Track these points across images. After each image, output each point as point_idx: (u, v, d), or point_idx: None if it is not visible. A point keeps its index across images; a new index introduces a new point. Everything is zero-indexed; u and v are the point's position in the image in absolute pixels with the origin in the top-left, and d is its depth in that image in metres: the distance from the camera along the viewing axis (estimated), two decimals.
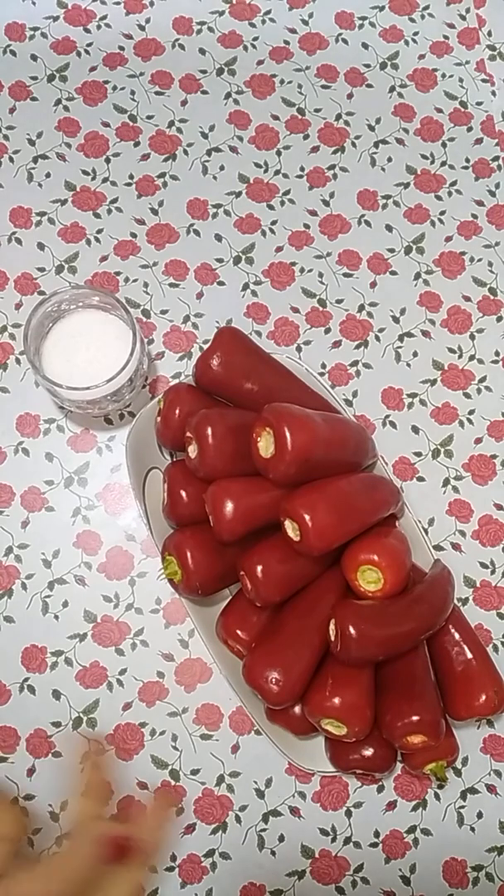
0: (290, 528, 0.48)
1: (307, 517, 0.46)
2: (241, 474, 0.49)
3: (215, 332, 0.53)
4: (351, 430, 0.52)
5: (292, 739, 0.51)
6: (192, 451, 0.50)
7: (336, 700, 0.47)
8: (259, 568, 0.48)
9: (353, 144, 0.65)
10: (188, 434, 0.50)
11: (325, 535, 0.47)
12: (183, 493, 0.51)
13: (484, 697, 0.50)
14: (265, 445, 0.48)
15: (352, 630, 0.46)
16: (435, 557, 0.54)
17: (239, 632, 0.51)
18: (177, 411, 0.52)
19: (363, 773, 0.51)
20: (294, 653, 0.48)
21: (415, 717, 0.48)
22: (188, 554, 0.50)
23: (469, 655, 0.52)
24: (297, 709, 0.50)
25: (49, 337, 0.53)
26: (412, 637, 0.49)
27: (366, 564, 0.48)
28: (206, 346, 0.59)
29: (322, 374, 0.60)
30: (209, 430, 0.48)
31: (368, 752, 0.50)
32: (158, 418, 0.53)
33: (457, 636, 0.53)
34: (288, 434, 0.46)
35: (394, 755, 0.51)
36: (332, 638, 0.48)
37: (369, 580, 0.49)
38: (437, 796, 0.54)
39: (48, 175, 0.62)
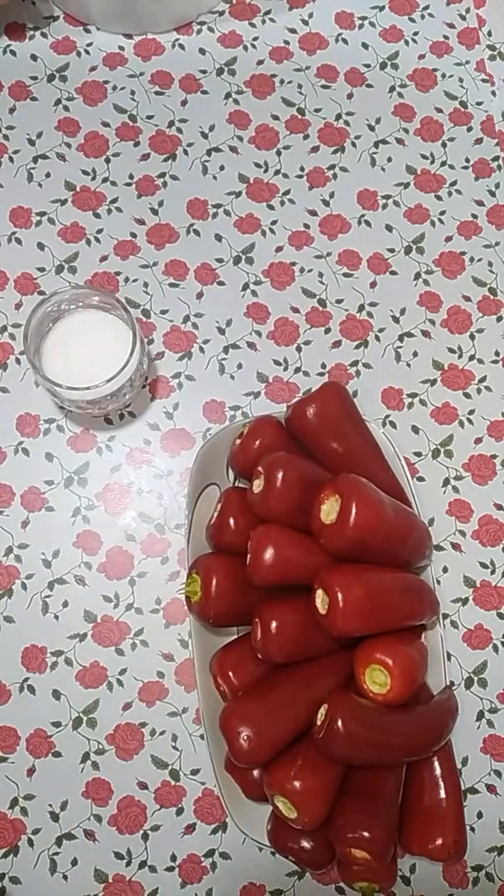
0: (320, 600, 0.47)
1: (340, 596, 0.45)
2: (295, 526, 0.49)
3: (323, 383, 0.53)
4: (415, 528, 0.51)
5: (238, 794, 0.50)
6: (258, 485, 0.49)
7: (297, 783, 0.46)
8: (274, 623, 0.47)
9: (353, 144, 0.65)
10: (259, 468, 0.49)
11: (352, 619, 0.46)
12: (232, 521, 0.51)
13: (440, 841, 0.49)
14: (328, 510, 0.47)
15: (340, 725, 0.45)
16: (447, 683, 0.53)
17: (231, 674, 0.50)
18: (257, 442, 0.52)
19: (294, 861, 0.49)
20: (276, 719, 0.47)
21: (366, 833, 0.46)
22: (214, 581, 0.49)
23: (442, 795, 0.50)
24: (255, 772, 0.49)
25: (49, 337, 0.53)
26: (397, 754, 0.48)
27: (378, 665, 0.47)
28: (205, 345, 0.60)
29: (323, 376, 0.60)
30: (280, 473, 0.48)
31: (308, 844, 0.48)
32: (238, 441, 0.53)
33: (438, 771, 0.51)
34: (354, 510, 0.45)
35: (331, 858, 0.49)
36: (318, 722, 0.47)
37: (376, 681, 0.47)
38: None
39: (48, 175, 0.62)
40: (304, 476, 0.49)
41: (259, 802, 0.50)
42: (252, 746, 0.46)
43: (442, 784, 0.51)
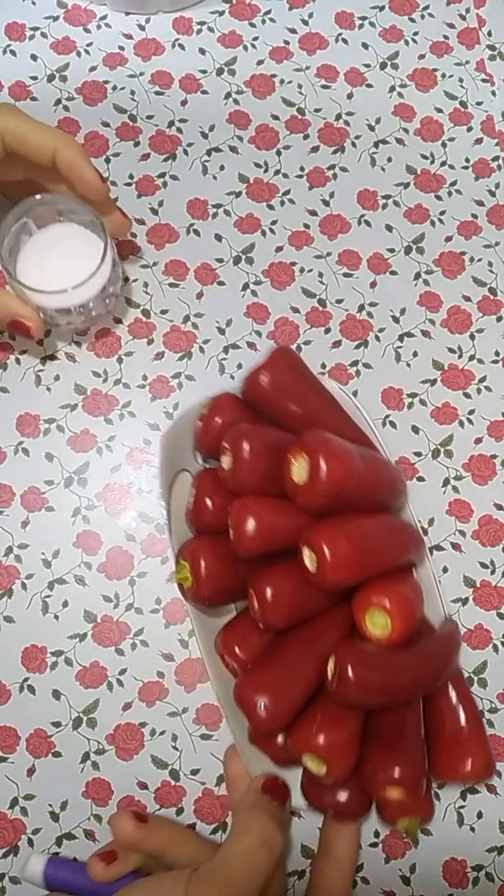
0: (308, 558, 0.47)
1: (326, 550, 0.45)
2: (270, 494, 0.49)
3: (271, 350, 0.53)
4: (387, 471, 0.51)
5: (268, 765, 0.51)
6: (226, 462, 0.49)
7: (321, 738, 0.46)
8: (269, 591, 0.47)
9: (353, 144, 0.65)
10: (225, 445, 0.49)
11: (342, 571, 0.46)
12: (209, 502, 0.51)
13: (469, 764, 0.50)
14: (298, 471, 0.47)
15: (350, 672, 0.45)
16: (447, 615, 0.53)
17: (237, 649, 0.50)
18: (218, 420, 0.51)
19: (335, 813, 0.50)
20: (288, 682, 0.48)
21: (397, 771, 0.47)
22: (202, 563, 0.49)
23: (462, 722, 0.51)
24: (279, 738, 0.50)
25: (26, 246, 0.54)
26: (410, 691, 0.49)
27: (376, 608, 0.47)
28: (205, 345, 0.60)
29: (323, 375, 0.60)
30: (246, 445, 0.48)
31: (343, 796, 0.48)
32: (199, 422, 0.53)
33: (454, 699, 0.51)
34: (323, 464, 0.45)
35: (368, 803, 0.49)
36: (329, 676, 0.47)
37: (377, 624, 0.47)
38: (437, 796, 0.54)
39: None
40: (269, 443, 0.49)
41: (288, 768, 0.51)
42: (270, 714, 0.47)
43: (460, 710, 0.51)
